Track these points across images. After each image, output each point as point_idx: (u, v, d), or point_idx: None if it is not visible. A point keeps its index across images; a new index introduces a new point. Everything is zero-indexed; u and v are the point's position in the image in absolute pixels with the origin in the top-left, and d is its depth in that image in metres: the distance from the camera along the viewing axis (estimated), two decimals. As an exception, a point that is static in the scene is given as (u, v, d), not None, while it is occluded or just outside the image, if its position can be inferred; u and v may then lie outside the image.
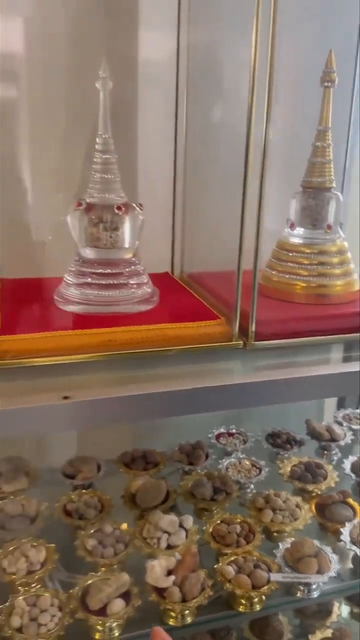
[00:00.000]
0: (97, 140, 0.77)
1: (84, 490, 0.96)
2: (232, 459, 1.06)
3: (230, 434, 1.15)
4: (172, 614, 0.75)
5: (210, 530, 0.87)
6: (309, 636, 1.03)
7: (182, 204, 1.01)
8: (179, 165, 1.00)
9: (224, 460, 1.06)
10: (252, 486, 1.01)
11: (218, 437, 1.14)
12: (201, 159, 0.99)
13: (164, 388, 0.67)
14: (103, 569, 0.80)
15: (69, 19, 0.89)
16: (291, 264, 0.86)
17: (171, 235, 1.03)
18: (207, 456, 1.06)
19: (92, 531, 0.85)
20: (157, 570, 0.76)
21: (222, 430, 1.16)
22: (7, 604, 0.73)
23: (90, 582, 0.76)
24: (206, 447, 1.08)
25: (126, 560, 0.82)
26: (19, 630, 0.70)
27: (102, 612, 0.73)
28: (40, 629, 0.70)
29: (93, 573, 0.78)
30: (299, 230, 0.87)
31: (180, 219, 1.02)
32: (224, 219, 0.97)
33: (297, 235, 0.87)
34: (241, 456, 1.07)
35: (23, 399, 0.63)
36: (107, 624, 0.71)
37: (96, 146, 0.77)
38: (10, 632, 0.69)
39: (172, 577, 0.76)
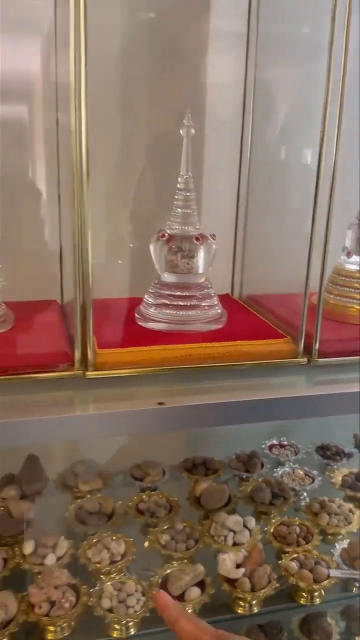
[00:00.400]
0: (179, 180, 0.87)
1: (152, 492, 1.05)
2: (286, 468, 1.14)
3: (282, 446, 1.23)
4: (242, 603, 0.84)
5: (272, 530, 0.95)
6: (356, 638, 1.09)
7: (243, 232, 1.11)
8: (241, 195, 1.10)
9: (278, 469, 1.14)
10: (305, 494, 1.09)
11: (270, 448, 1.22)
12: (263, 189, 1.09)
13: (242, 398, 0.76)
14: (175, 562, 0.89)
15: (133, 54, 1.00)
16: (347, 289, 0.95)
17: (232, 260, 1.13)
18: (262, 465, 1.14)
19: (165, 528, 0.94)
20: (227, 563, 0.85)
21: (274, 441, 1.24)
22: (96, 588, 0.82)
23: (168, 571, 0.84)
24: (261, 457, 1.16)
25: (196, 554, 0.91)
26: (109, 610, 0.79)
27: (180, 598, 0.81)
28: (128, 610, 0.79)
29: (169, 564, 0.87)
30: (355, 258, 0.95)
31: (241, 245, 1.12)
32: (282, 246, 1.08)
33: (353, 263, 0.96)
34: (294, 466, 1.15)
35: (121, 404, 0.73)
36: (186, 609, 0.80)
37: (178, 185, 0.87)
38: (102, 612, 0.78)
39: (242, 569, 0.84)
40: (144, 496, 1.03)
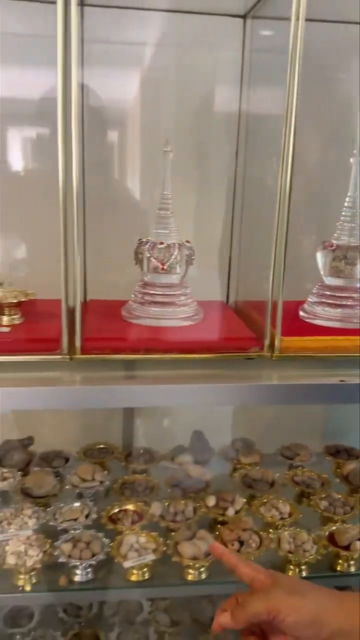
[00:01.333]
0: (347, 199, 1.04)
1: (303, 469, 1.20)
2: None
3: None
4: None
5: None
6: None
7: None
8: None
9: None
10: None
11: None
12: None
13: None
14: (331, 524, 1.04)
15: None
16: None
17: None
18: None
19: (323, 496, 1.09)
20: (384, 525, 0.98)
21: None
22: (273, 535, 0.98)
23: (334, 527, 1.00)
24: None
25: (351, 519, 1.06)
26: (289, 552, 0.95)
27: (346, 548, 0.96)
28: (305, 554, 0.94)
29: (329, 525, 1.02)
30: None
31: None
32: None
33: None
34: None
35: (306, 379, 0.90)
36: (355, 557, 0.94)
37: (345, 204, 1.04)
38: (282, 553, 0.95)
39: None
40: (297, 471, 1.18)
